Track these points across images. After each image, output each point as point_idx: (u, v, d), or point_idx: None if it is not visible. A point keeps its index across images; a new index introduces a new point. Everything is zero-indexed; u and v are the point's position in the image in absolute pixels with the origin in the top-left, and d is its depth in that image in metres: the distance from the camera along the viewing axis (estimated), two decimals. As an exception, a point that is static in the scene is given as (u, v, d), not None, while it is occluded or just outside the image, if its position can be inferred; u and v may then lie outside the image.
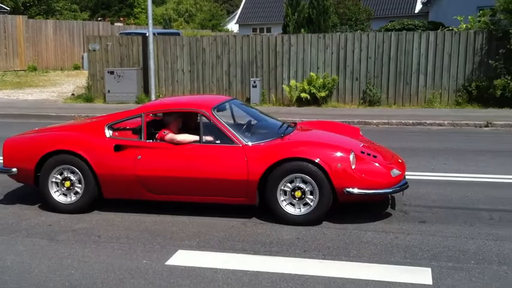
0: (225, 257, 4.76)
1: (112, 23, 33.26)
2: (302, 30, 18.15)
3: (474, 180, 7.25)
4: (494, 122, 12.02)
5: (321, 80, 14.97)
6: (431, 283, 4.19)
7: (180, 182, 5.71)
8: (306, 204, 5.46)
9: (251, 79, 15.69)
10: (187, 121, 6.32)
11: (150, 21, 15.59)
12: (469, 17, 15.75)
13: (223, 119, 5.94)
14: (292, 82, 15.34)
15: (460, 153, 9.14)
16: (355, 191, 5.33)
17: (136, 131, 6.13)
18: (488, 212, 5.89)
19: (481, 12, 15.74)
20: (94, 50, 16.90)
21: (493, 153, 9.11)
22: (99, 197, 6.04)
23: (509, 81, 13.59)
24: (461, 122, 12.21)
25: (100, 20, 35.89)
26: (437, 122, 12.30)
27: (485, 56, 14.24)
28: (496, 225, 5.45)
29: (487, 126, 11.99)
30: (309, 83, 15.07)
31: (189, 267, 4.57)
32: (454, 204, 6.17)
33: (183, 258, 4.77)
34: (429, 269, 4.42)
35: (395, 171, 5.64)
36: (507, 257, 4.65)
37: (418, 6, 33.97)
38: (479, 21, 15.11)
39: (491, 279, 4.23)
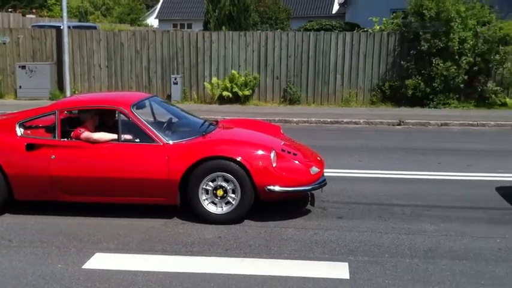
0: (144, 259, 4.66)
1: (24, 15, 31.50)
2: (223, 27, 18.15)
3: (388, 176, 7.57)
4: (406, 121, 12.62)
5: (243, 78, 15.04)
6: (348, 277, 4.32)
7: (97, 182, 5.53)
8: (228, 202, 5.46)
9: (172, 76, 15.48)
10: (105, 119, 6.12)
11: (65, 14, 15.06)
12: (384, 19, 16.37)
13: (142, 117, 5.81)
14: (214, 80, 15.30)
15: (374, 150, 9.51)
16: (276, 188, 5.39)
17: (50, 129, 5.86)
18: (400, 207, 6.17)
19: (394, 14, 16.35)
20: (4, 43, 16.02)
21: (405, 150, 9.56)
22: (10, 199, 5.72)
23: (419, 82, 14.29)
24: (376, 120, 12.72)
25: (10, 11, 33.96)
26: (353, 120, 12.74)
27: (397, 56, 14.90)
28: (408, 220, 5.72)
29: (399, 124, 12.56)
30: (231, 81, 15.09)
31: (107, 270, 4.43)
32: (369, 200, 6.41)
33: (100, 261, 4.62)
34: (346, 264, 4.56)
35: (315, 169, 5.78)
36: (418, 250, 4.88)
37: (336, 7, 34.97)
38: (392, 23, 15.71)
39: (404, 272, 4.43)
